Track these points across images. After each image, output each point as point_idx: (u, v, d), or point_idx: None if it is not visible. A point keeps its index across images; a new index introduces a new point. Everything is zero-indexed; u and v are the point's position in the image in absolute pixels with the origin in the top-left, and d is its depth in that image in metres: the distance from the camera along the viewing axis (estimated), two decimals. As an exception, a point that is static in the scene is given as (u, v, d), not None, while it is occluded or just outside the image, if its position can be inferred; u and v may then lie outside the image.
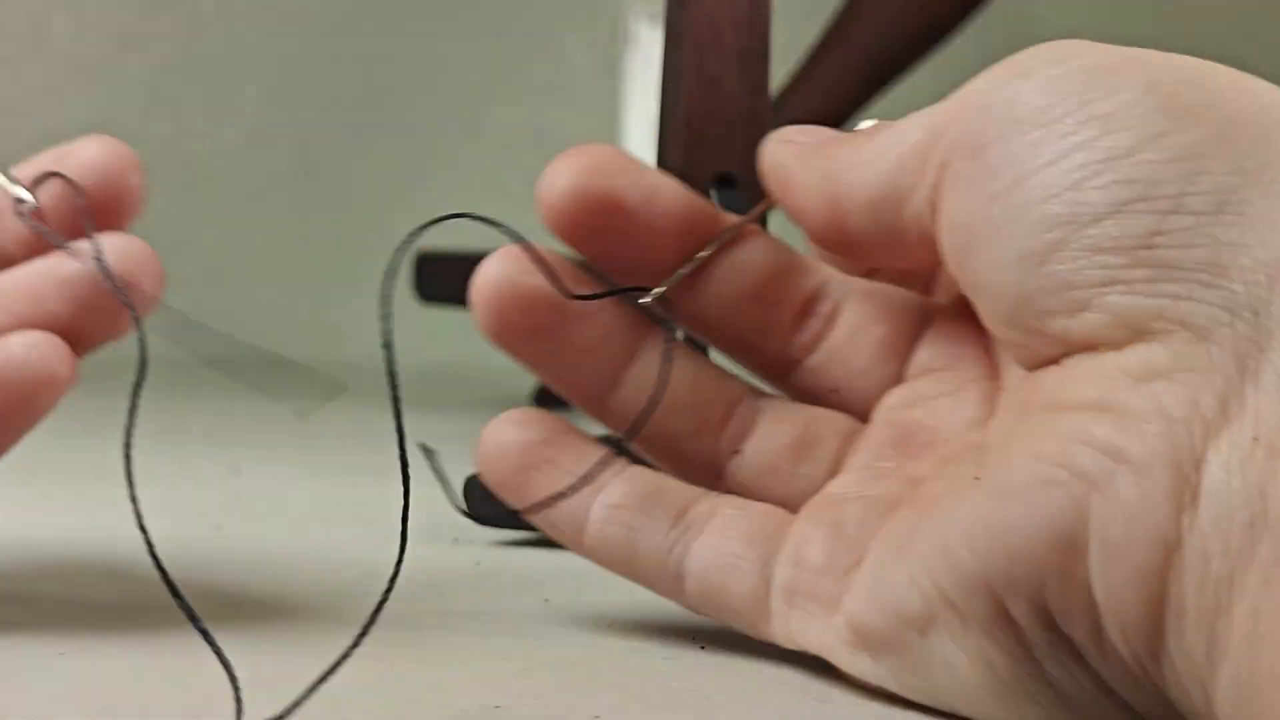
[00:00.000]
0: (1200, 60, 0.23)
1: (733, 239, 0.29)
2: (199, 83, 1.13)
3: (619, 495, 0.28)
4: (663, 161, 0.41)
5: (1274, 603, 0.19)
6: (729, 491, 0.29)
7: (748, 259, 0.29)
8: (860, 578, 0.25)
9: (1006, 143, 0.23)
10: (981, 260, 0.23)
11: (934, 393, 0.28)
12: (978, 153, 0.23)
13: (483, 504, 0.40)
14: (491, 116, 1.23)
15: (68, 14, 1.11)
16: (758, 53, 0.40)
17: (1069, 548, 0.21)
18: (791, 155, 0.28)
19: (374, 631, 0.29)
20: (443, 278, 0.80)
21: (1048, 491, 0.21)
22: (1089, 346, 0.22)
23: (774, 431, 0.29)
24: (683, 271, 0.29)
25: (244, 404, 0.81)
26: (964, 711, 0.24)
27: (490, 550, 0.39)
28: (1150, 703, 0.22)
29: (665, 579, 0.28)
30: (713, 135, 0.40)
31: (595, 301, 0.29)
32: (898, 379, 0.29)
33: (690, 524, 0.28)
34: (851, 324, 0.29)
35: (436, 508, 0.45)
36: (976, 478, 0.23)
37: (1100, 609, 0.21)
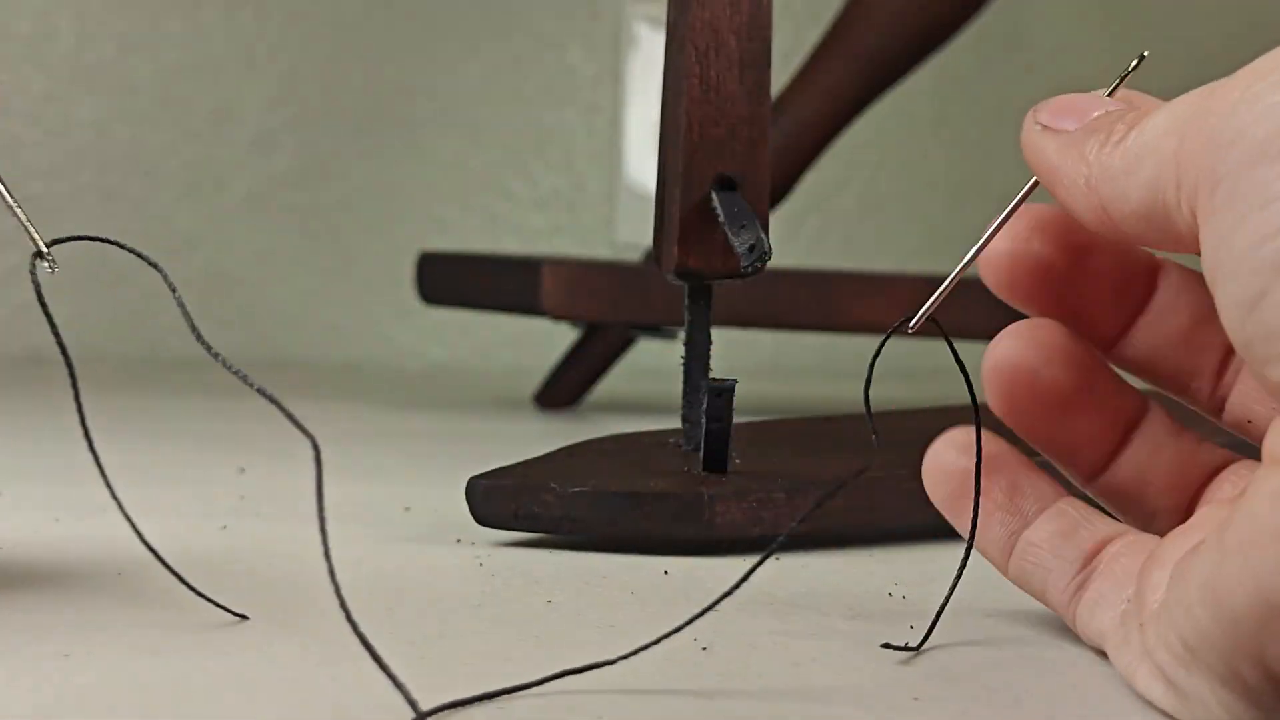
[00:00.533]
0: None
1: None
2: (203, 86, 1.14)
3: (1041, 533, 0.30)
4: (664, 164, 0.41)
5: None
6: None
7: (1172, 302, 0.30)
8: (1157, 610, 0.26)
9: (1235, 181, 0.23)
10: (1217, 302, 0.23)
11: None
12: (1213, 190, 0.23)
13: (485, 504, 0.40)
14: (494, 119, 1.23)
15: (72, 17, 1.11)
16: (759, 56, 0.40)
17: None
18: (1054, 150, 0.28)
19: (375, 632, 0.29)
20: (444, 278, 0.80)
21: (1260, 553, 0.21)
22: None
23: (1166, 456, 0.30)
24: (941, 292, 0.29)
25: (248, 404, 0.81)
26: None
27: (493, 551, 0.39)
28: None
29: (1069, 618, 0.29)
30: (714, 138, 0.40)
31: (1095, 389, 0.30)
32: None
33: (1097, 567, 0.29)
34: None
35: (441, 508, 0.45)
36: (1220, 535, 0.23)
37: None
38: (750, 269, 0.39)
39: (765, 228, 0.40)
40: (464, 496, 0.40)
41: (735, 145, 0.40)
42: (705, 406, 0.39)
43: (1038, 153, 0.28)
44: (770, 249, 0.39)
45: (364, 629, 0.30)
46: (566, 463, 0.42)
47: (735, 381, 0.39)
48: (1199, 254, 0.25)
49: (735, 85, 0.40)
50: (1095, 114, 0.27)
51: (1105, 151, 0.26)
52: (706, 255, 0.40)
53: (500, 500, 0.40)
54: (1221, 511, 0.27)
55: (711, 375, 0.42)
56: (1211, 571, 0.23)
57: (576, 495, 0.39)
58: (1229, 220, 0.23)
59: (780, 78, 0.68)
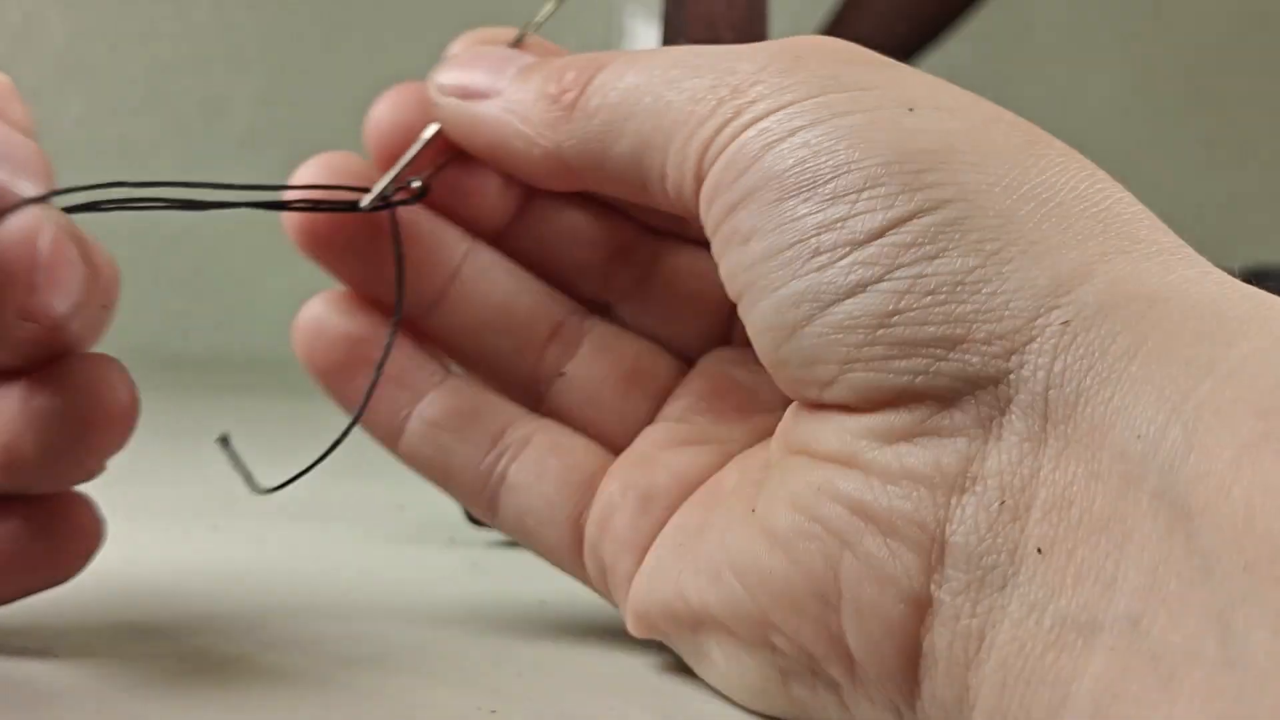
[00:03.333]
0: (950, 124, 0.23)
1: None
2: (194, 81, 1.13)
3: (437, 411, 0.28)
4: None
5: (1022, 660, 0.20)
6: (550, 415, 0.29)
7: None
8: (644, 568, 0.26)
9: (759, 208, 0.23)
10: (744, 315, 0.24)
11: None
12: (731, 209, 0.23)
13: None
14: (487, 114, 1.23)
15: (62, 11, 1.11)
16: (755, 51, 0.40)
17: (824, 601, 0.22)
18: (486, 123, 0.27)
19: (370, 633, 0.29)
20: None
21: (805, 545, 0.22)
22: (841, 408, 0.23)
23: (601, 359, 0.29)
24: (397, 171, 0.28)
25: (241, 403, 0.81)
26: (737, 701, 0.25)
27: (486, 551, 0.39)
28: None
29: (480, 504, 0.29)
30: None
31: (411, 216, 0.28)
32: (727, 339, 0.29)
33: (505, 449, 0.28)
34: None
35: (434, 508, 0.45)
36: (753, 510, 0.24)
37: (855, 659, 0.22)
38: None
39: None
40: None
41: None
42: None
43: (466, 127, 0.27)
44: None
45: (361, 628, 0.29)
46: None
47: None
48: (665, 209, 0.25)
49: (731, 80, 0.40)
50: (518, 67, 0.27)
51: (571, 123, 0.26)
52: (703, 252, 0.40)
53: None
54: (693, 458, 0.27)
55: None
56: (752, 553, 0.23)
57: None
58: (758, 250, 0.23)
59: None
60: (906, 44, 0.90)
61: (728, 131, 0.24)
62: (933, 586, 0.21)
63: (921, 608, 0.21)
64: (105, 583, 0.33)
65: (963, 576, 0.21)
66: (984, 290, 0.21)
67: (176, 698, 0.24)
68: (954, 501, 0.21)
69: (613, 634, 0.30)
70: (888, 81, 0.24)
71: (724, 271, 0.24)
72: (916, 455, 0.21)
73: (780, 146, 0.23)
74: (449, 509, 0.42)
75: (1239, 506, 0.17)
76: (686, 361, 0.29)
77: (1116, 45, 1.37)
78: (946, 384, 0.21)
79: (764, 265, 0.23)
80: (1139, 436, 0.19)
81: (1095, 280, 0.21)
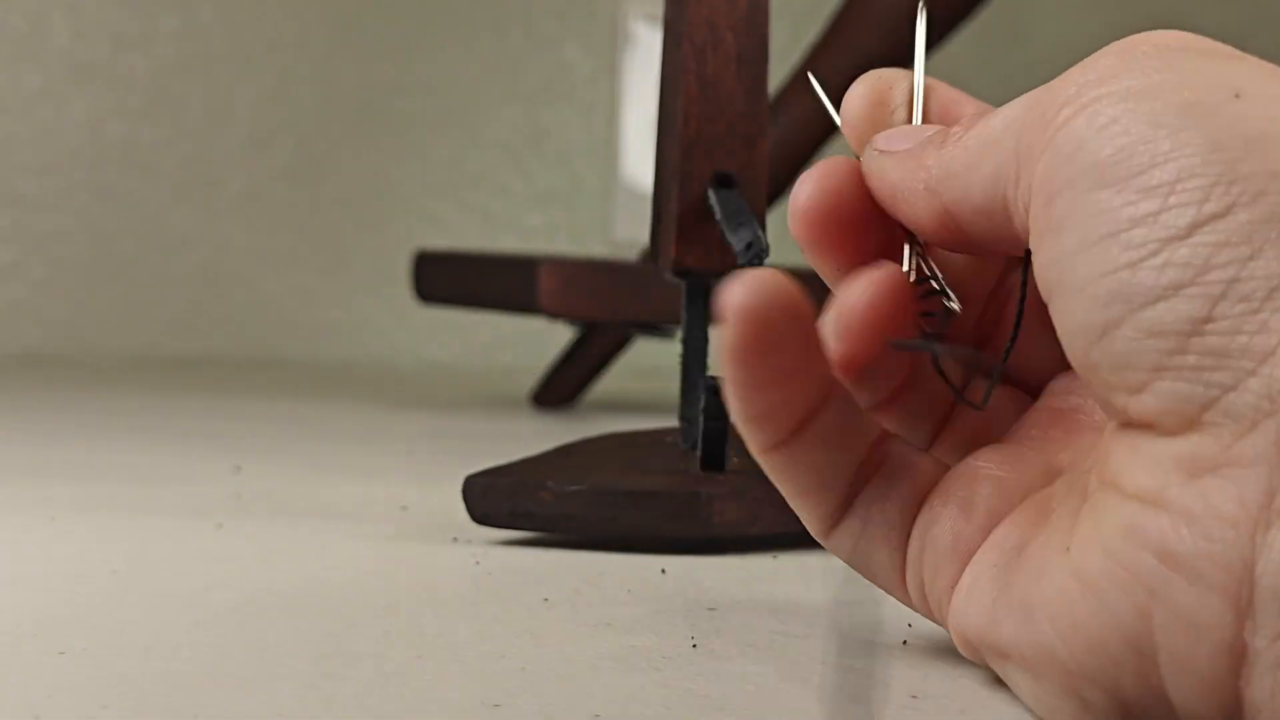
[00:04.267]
0: (1272, 112, 0.22)
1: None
2: (198, 83, 1.13)
3: (833, 418, 0.27)
4: (661, 161, 0.41)
5: None
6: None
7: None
8: (961, 584, 0.26)
9: (1074, 197, 0.23)
10: (1056, 315, 0.23)
11: None
12: (1050, 199, 0.23)
13: (482, 503, 0.40)
14: (490, 117, 1.23)
15: (67, 14, 1.11)
16: (756, 53, 0.40)
17: (1140, 653, 0.21)
18: (891, 168, 0.27)
19: (371, 631, 0.29)
20: (441, 277, 0.80)
21: (1117, 594, 0.22)
22: (1148, 426, 0.22)
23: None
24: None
25: (244, 402, 0.81)
26: None
27: (490, 549, 0.39)
28: None
29: (827, 515, 0.28)
30: (711, 135, 0.40)
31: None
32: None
33: (868, 465, 0.28)
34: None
35: (438, 507, 0.45)
36: (1068, 549, 0.23)
37: (1176, 710, 0.21)
38: (747, 266, 0.39)
39: (762, 225, 0.40)
40: (461, 495, 0.40)
41: (732, 142, 0.40)
42: (703, 404, 0.39)
43: (878, 175, 0.28)
44: (767, 246, 0.39)
45: (364, 625, 0.30)
46: (563, 461, 0.42)
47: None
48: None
49: (732, 81, 0.40)
50: (929, 132, 0.28)
51: (945, 151, 0.26)
52: (704, 253, 0.40)
53: (497, 498, 0.40)
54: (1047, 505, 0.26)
55: (709, 373, 0.42)
56: (1066, 596, 0.22)
57: (573, 493, 0.39)
58: (1070, 243, 0.22)
59: (778, 75, 0.68)
60: (906, 50, 0.90)
61: (1060, 119, 0.23)
62: (1247, 635, 0.20)
63: (1237, 658, 0.20)
64: (108, 582, 0.33)
65: (1277, 621, 0.20)
66: None
67: (177, 696, 0.25)
68: (1259, 540, 0.20)
69: (614, 631, 0.30)
70: (1219, 68, 0.23)
71: (1037, 268, 0.24)
72: (1221, 492, 0.20)
73: (1102, 134, 0.22)
74: (451, 509, 0.42)
75: None
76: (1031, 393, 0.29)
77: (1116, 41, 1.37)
78: (1252, 401, 0.20)
79: (1074, 259, 0.22)
80: None
81: None
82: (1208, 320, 0.21)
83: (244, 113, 1.14)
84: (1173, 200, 0.21)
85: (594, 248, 1.25)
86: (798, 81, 0.91)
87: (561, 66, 1.25)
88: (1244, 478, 0.20)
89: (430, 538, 0.41)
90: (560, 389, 0.86)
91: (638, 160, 1.27)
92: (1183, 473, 0.21)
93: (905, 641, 0.29)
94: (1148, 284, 0.21)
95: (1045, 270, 0.23)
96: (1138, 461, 0.22)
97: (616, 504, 0.39)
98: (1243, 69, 0.23)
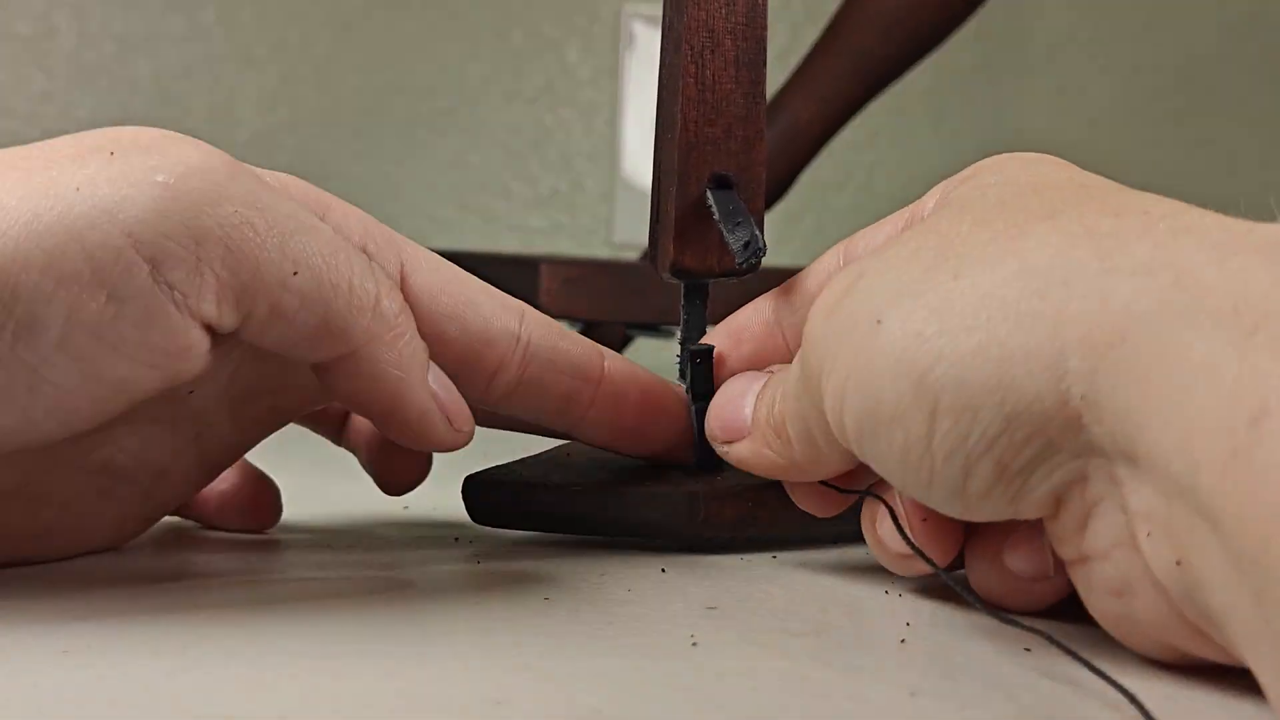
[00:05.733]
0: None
1: None
2: (202, 85, 1.14)
3: None
4: (659, 163, 0.41)
5: None
6: None
7: None
8: None
9: (871, 444, 0.29)
10: None
11: None
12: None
13: (482, 502, 0.40)
14: (492, 118, 1.23)
15: (71, 16, 1.11)
16: (754, 55, 0.40)
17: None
18: (754, 458, 0.35)
19: (375, 628, 0.30)
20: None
21: None
22: None
23: None
24: None
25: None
26: None
27: (491, 549, 0.39)
28: None
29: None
30: (709, 137, 0.40)
31: None
32: None
33: None
34: None
35: (438, 507, 0.45)
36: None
37: None
38: (745, 266, 0.39)
39: (760, 226, 0.40)
40: (460, 495, 0.40)
41: (731, 144, 0.40)
42: (689, 376, 0.39)
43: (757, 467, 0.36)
44: (765, 246, 0.39)
45: (366, 624, 0.30)
46: (563, 461, 0.42)
47: (713, 347, 0.39)
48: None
49: (731, 84, 0.40)
50: (745, 422, 0.35)
51: (779, 443, 0.34)
52: (702, 254, 0.40)
53: (497, 498, 0.40)
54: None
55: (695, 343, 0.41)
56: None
57: (573, 492, 0.39)
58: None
59: (777, 78, 0.68)
60: (904, 52, 0.90)
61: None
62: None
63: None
64: (114, 581, 0.34)
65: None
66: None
67: (177, 698, 0.25)
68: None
69: (615, 630, 0.30)
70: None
71: None
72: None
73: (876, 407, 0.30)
74: (451, 509, 0.42)
75: None
76: None
77: (1114, 43, 1.37)
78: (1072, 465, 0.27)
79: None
80: None
81: None
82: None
83: (247, 114, 1.14)
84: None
85: (595, 248, 1.25)
86: (797, 82, 0.91)
87: (563, 68, 1.25)
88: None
89: (431, 538, 0.41)
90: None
91: (639, 162, 1.27)
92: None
93: (903, 640, 0.30)
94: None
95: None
96: None
97: (615, 503, 0.39)
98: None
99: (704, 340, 0.40)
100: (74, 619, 0.29)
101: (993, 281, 0.27)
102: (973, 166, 0.34)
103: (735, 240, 0.39)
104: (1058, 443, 0.26)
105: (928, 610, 0.32)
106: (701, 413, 0.38)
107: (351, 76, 1.18)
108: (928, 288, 0.28)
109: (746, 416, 0.35)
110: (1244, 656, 0.23)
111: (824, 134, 0.90)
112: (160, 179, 0.28)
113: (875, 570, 0.37)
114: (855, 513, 0.41)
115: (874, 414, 0.28)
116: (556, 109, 1.25)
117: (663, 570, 0.37)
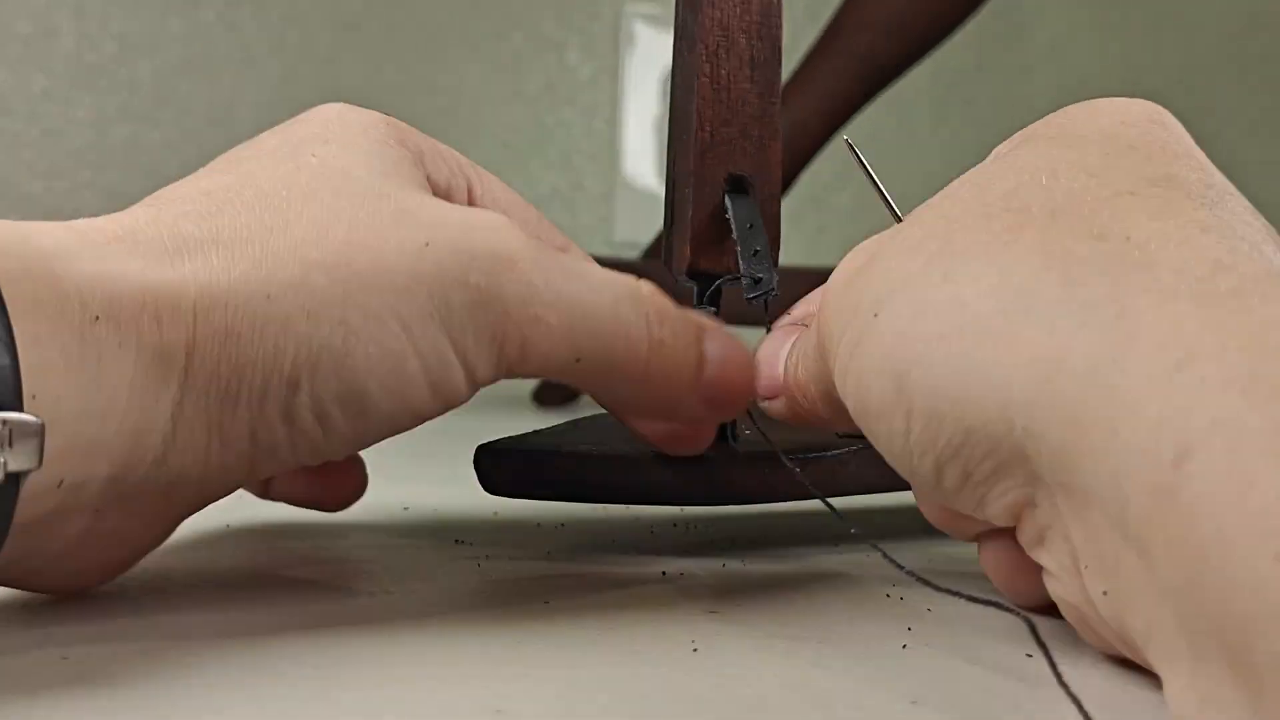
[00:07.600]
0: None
1: None
2: (203, 85, 1.13)
3: None
4: (674, 164, 0.41)
5: None
6: None
7: None
8: None
9: (864, 425, 0.30)
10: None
11: None
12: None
13: (494, 472, 0.39)
14: (492, 118, 1.23)
15: (71, 16, 1.11)
16: (769, 55, 0.40)
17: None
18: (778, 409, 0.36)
19: (374, 633, 0.29)
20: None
21: None
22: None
23: None
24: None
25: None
26: None
27: (492, 552, 0.39)
28: None
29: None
30: (725, 138, 0.40)
31: None
32: None
33: None
34: None
35: (440, 508, 0.45)
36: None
37: None
38: (751, 301, 0.39)
39: (777, 231, 0.40)
40: (473, 466, 0.39)
41: (747, 145, 0.40)
42: (706, 302, 0.40)
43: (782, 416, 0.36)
44: (775, 287, 0.39)
45: (366, 627, 0.30)
46: (575, 431, 0.41)
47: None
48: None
49: (746, 84, 0.40)
50: (779, 380, 0.36)
51: (806, 402, 0.35)
52: (718, 256, 0.40)
53: (510, 467, 0.39)
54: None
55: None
56: None
57: (586, 459, 0.38)
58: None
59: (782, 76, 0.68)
60: (904, 52, 0.90)
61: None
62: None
63: None
64: (117, 581, 0.34)
65: None
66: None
67: (177, 698, 0.25)
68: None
69: (616, 634, 0.30)
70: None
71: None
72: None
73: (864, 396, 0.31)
74: (453, 510, 0.42)
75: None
76: None
77: (1114, 43, 1.37)
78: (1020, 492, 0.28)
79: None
80: None
81: None
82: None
83: (247, 115, 1.14)
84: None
85: (596, 248, 1.25)
86: (797, 82, 0.91)
87: (563, 69, 1.25)
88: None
89: (432, 539, 0.41)
90: (562, 388, 0.86)
91: (638, 162, 1.27)
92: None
93: (905, 646, 0.30)
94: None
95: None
96: None
97: (629, 468, 0.38)
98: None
99: (778, 323, 0.39)
100: (75, 615, 0.29)
101: (973, 292, 0.27)
102: (1069, 108, 0.33)
103: (748, 272, 0.39)
104: (1009, 466, 0.27)
105: (930, 616, 0.32)
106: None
107: (352, 77, 1.18)
108: (922, 285, 0.28)
109: (779, 374, 0.35)
110: (1161, 672, 0.24)
111: (824, 134, 0.90)
112: (473, 280, 0.30)
113: (877, 575, 0.37)
114: (866, 481, 0.41)
115: (864, 404, 0.29)
116: (556, 109, 1.25)
117: (663, 574, 0.37)
